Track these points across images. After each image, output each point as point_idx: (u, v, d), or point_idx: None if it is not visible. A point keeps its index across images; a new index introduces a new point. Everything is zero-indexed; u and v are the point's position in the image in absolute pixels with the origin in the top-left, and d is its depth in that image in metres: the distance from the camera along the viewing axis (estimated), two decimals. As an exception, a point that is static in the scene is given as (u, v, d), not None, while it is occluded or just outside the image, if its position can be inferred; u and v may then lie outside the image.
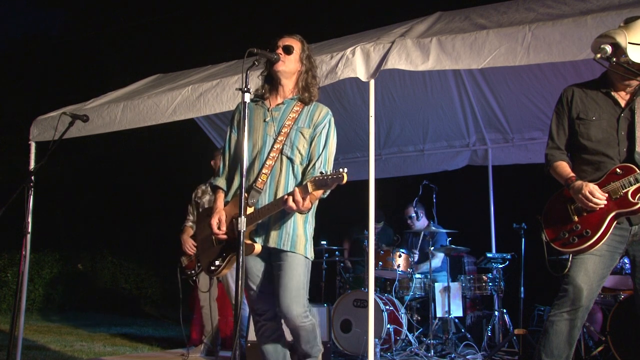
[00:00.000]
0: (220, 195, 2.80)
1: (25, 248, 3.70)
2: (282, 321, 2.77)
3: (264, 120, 2.77)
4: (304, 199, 2.48)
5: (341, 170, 2.42)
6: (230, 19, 14.11)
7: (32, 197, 3.57)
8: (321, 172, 2.49)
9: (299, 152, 2.73)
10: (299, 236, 2.66)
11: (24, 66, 15.02)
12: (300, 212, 2.60)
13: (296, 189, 2.49)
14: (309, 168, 2.73)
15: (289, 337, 2.83)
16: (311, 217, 2.78)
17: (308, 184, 2.48)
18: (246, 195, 2.61)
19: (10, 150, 11.79)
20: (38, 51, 15.48)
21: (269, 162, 2.68)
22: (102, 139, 8.44)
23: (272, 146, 2.71)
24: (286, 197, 2.51)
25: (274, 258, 2.70)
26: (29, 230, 3.69)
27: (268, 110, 2.79)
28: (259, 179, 2.66)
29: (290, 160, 2.72)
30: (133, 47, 14.75)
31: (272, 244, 2.65)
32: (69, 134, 4.13)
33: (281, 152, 2.71)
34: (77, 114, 3.93)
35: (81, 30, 15.60)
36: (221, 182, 2.82)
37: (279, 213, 2.64)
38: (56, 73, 14.50)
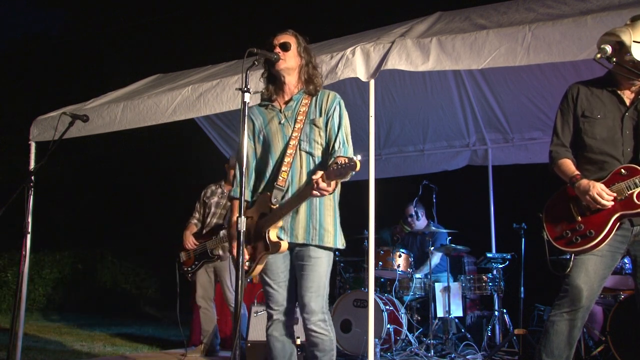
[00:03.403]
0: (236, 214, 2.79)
1: (25, 248, 3.70)
2: (299, 321, 2.78)
3: (280, 123, 2.79)
4: (328, 184, 2.43)
5: (354, 157, 2.35)
6: (230, 19, 14.11)
7: (32, 197, 3.57)
8: (336, 163, 2.40)
9: (317, 143, 2.74)
10: (327, 230, 2.68)
11: (24, 66, 15.01)
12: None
13: (318, 179, 2.42)
14: (330, 151, 2.72)
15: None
16: (338, 205, 2.78)
17: (323, 176, 2.42)
18: (269, 194, 2.65)
19: (10, 150, 11.78)
20: (38, 51, 15.48)
21: (287, 159, 2.68)
22: (102, 139, 8.43)
23: (288, 143, 2.72)
24: (311, 190, 2.46)
25: (299, 252, 2.70)
26: (29, 230, 3.68)
27: (280, 112, 2.81)
28: (280, 177, 2.67)
29: (310, 154, 2.72)
30: (133, 47, 14.76)
31: (300, 239, 2.66)
32: (69, 134, 4.13)
33: (298, 147, 2.72)
34: (77, 114, 3.93)
35: (81, 30, 15.61)
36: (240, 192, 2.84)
37: (305, 209, 2.65)
38: (56, 73, 14.49)
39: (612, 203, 2.59)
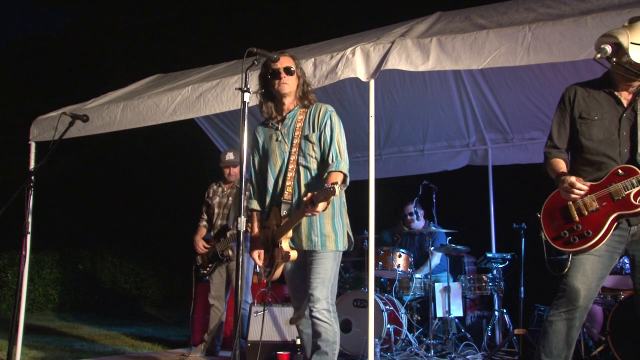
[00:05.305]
0: (256, 223, 3.10)
1: (25, 248, 3.71)
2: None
3: (277, 140, 2.99)
4: (316, 206, 2.64)
5: (333, 185, 2.56)
6: (230, 19, 14.12)
7: (32, 197, 3.57)
8: (320, 189, 2.62)
9: (312, 157, 2.94)
10: (327, 235, 2.90)
11: (24, 66, 15.01)
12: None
13: (307, 201, 2.65)
14: (325, 165, 2.91)
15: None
16: (338, 211, 2.96)
17: (310, 199, 2.65)
18: (277, 209, 2.93)
19: (10, 150, 11.78)
20: (38, 51, 15.48)
21: (289, 174, 2.93)
22: (102, 139, 8.43)
23: (289, 159, 2.96)
24: (304, 211, 2.70)
25: (308, 256, 2.95)
26: (29, 230, 3.69)
27: (277, 130, 3.01)
28: (285, 192, 2.92)
29: (306, 168, 2.93)
30: (133, 47, 14.76)
31: (305, 247, 2.91)
32: (69, 134, 4.13)
33: (297, 162, 2.93)
34: (77, 114, 3.94)
35: (81, 30, 15.61)
36: (255, 204, 3.12)
37: (305, 220, 2.87)
38: (56, 73, 14.49)
39: (586, 189, 2.60)
